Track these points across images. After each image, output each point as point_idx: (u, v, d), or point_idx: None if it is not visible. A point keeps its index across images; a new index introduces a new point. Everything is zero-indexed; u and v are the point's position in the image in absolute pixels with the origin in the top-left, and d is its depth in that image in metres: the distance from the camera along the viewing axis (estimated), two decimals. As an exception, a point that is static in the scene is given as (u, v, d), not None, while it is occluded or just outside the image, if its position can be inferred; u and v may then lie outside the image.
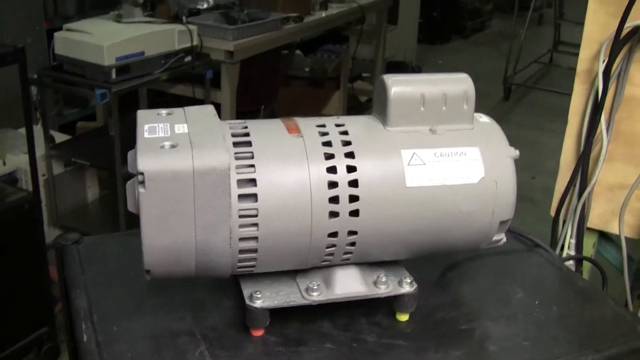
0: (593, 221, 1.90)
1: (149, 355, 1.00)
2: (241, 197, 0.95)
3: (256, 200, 0.96)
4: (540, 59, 7.86)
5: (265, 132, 1.03)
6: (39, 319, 2.85)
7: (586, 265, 1.91)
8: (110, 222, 3.69)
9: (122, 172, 3.34)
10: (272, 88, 4.91)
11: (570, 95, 1.87)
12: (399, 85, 1.06)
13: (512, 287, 1.22)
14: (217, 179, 0.92)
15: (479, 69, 7.34)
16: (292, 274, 1.08)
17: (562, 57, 7.72)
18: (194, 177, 0.91)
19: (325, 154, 1.00)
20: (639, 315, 1.73)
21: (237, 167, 0.96)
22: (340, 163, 1.00)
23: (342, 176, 0.99)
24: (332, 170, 0.99)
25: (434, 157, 1.04)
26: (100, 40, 3.25)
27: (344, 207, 0.99)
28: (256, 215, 0.96)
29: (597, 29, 1.78)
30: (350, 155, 1.01)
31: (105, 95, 3.20)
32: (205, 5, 4.05)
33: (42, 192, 3.42)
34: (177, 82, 3.89)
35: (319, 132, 1.03)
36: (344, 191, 0.99)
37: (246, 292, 1.04)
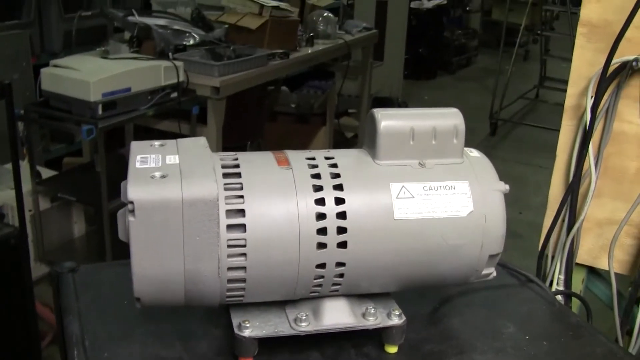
0: (582, 257, 1.91)
1: (137, 381, 1.00)
2: (230, 227, 0.96)
3: (245, 231, 0.96)
4: (526, 94, 7.91)
5: (255, 164, 1.04)
6: (25, 354, 2.81)
7: (575, 301, 1.91)
8: (96, 257, 3.66)
9: (108, 207, 3.32)
10: (258, 124, 4.92)
11: (557, 130, 1.87)
12: (388, 119, 1.07)
13: (503, 321, 1.22)
14: (206, 209, 0.93)
15: (465, 104, 7.35)
16: (282, 304, 1.08)
17: (548, 92, 7.77)
18: (182, 206, 0.92)
19: (314, 186, 1.01)
20: (630, 350, 1.72)
21: (226, 197, 0.97)
22: (329, 195, 1.00)
23: (330, 208, 0.99)
24: (320, 202, 1.00)
25: (422, 190, 1.04)
26: (87, 76, 3.25)
27: (332, 238, 0.99)
28: (244, 246, 0.96)
29: (584, 65, 1.79)
30: (338, 187, 1.01)
31: (92, 131, 3.19)
32: (191, 42, 4.05)
33: (29, 227, 3.40)
34: (163, 117, 3.89)
35: (309, 165, 1.04)
36: (332, 223, 0.99)
37: (235, 321, 1.04)
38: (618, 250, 1.83)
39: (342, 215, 1.00)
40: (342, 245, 1.00)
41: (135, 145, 1.05)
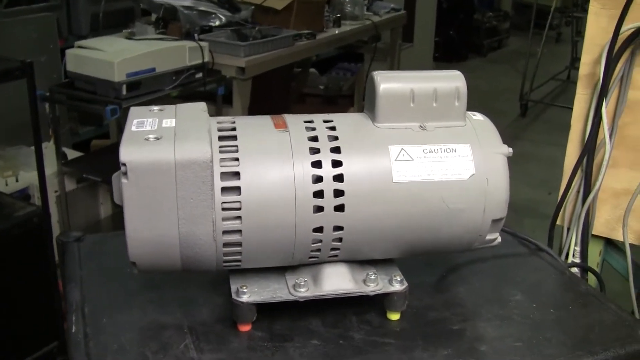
0: (599, 228, 1.88)
1: (134, 346, 1.00)
2: (224, 189, 0.95)
3: (240, 194, 0.95)
4: (557, 76, 7.82)
5: (252, 127, 1.03)
6: (50, 334, 2.84)
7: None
8: (122, 238, 3.67)
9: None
10: (284, 105, 4.91)
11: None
12: (388, 82, 1.06)
13: (510, 290, 1.20)
14: (199, 171, 0.92)
15: (496, 87, 7.33)
16: (282, 270, 1.07)
17: (579, 74, 7.66)
18: (175, 168, 0.91)
19: (310, 148, 1.00)
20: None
21: (222, 160, 0.96)
22: (326, 158, 0.99)
23: (327, 170, 0.98)
24: (317, 164, 0.99)
25: (422, 153, 1.03)
26: (111, 56, 3.26)
27: (329, 201, 0.98)
28: (240, 209, 0.96)
29: (598, 32, 1.76)
30: (336, 150, 1.00)
31: (116, 111, 3.19)
32: (217, 23, 4.05)
33: (55, 208, 3.42)
34: (188, 98, 3.88)
35: (306, 128, 1.03)
36: (328, 185, 0.98)
37: (233, 286, 1.04)
38: (635, 221, 1.80)
39: (339, 178, 0.99)
40: (340, 208, 0.99)
41: (134, 110, 1.05)
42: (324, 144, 1.00)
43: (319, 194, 0.98)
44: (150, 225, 0.94)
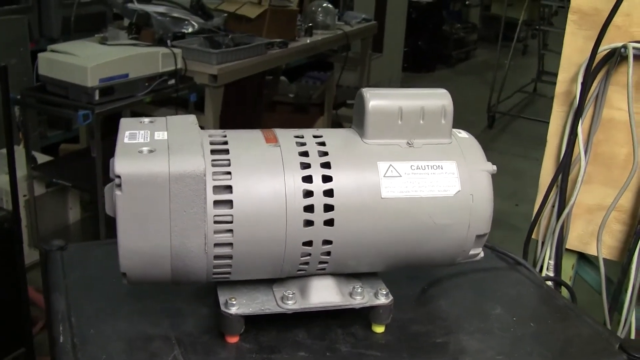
0: (572, 243, 1.91)
1: (122, 357, 1.01)
2: (217, 203, 0.96)
3: (231, 207, 0.96)
4: (524, 88, 7.89)
5: (244, 141, 1.04)
6: (17, 340, 2.82)
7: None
8: (91, 244, 3.65)
9: (103, 193, 3.30)
10: (256, 113, 4.92)
11: (554, 124, 1.88)
12: (377, 99, 1.08)
13: (490, 303, 1.23)
14: (193, 184, 0.93)
15: (464, 97, 7.35)
16: (269, 282, 1.08)
17: (546, 86, 7.72)
18: (169, 181, 0.92)
19: (301, 163, 1.01)
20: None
21: (214, 173, 0.97)
22: (316, 173, 1.01)
23: (317, 185, 1.00)
24: (307, 179, 1.00)
25: (410, 169, 1.05)
26: (84, 61, 3.24)
27: (319, 216, 1.00)
28: (231, 222, 0.97)
29: (575, 51, 1.79)
30: (326, 165, 1.02)
31: (88, 116, 3.18)
32: (190, 30, 4.06)
33: (23, 212, 3.40)
34: (160, 105, 3.88)
35: (297, 143, 1.04)
36: (319, 200, 1.00)
37: (222, 298, 1.05)
38: (607, 236, 1.84)
39: (329, 193, 1.00)
40: (329, 222, 1.01)
41: (124, 121, 1.05)
42: (315, 159, 1.02)
43: (309, 208, 1.00)
44: (143, 237, 0.95)
